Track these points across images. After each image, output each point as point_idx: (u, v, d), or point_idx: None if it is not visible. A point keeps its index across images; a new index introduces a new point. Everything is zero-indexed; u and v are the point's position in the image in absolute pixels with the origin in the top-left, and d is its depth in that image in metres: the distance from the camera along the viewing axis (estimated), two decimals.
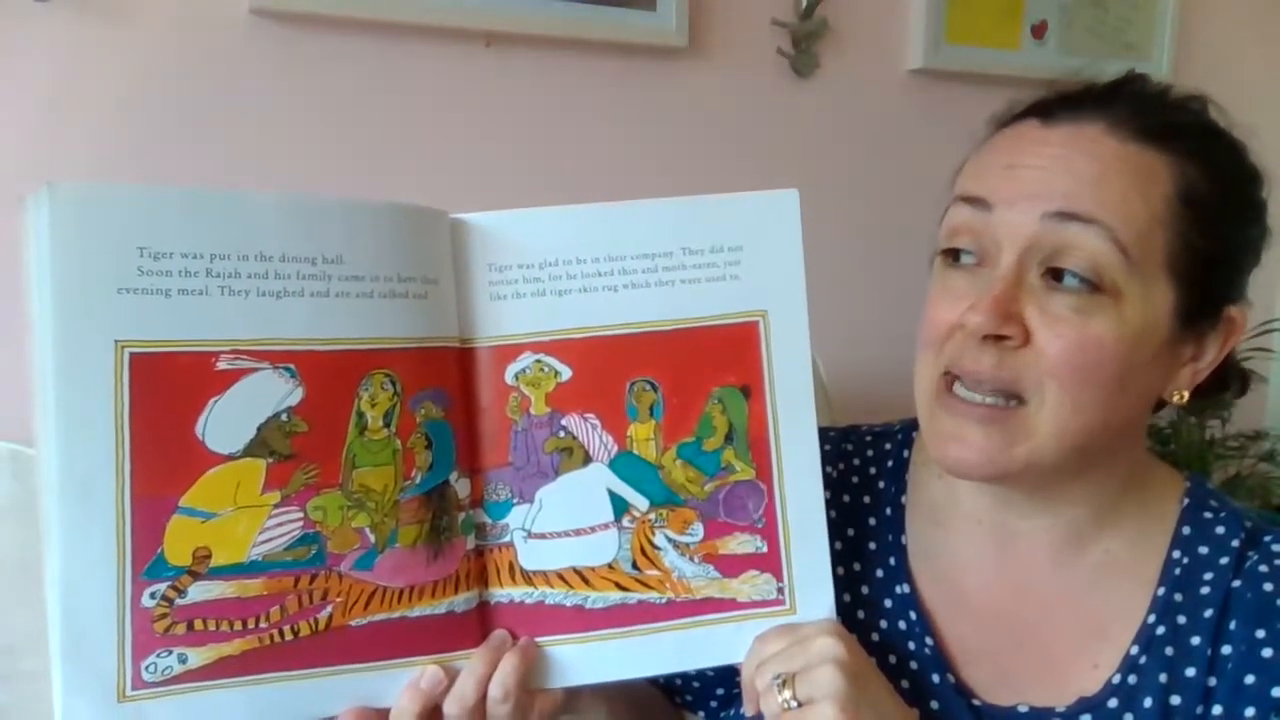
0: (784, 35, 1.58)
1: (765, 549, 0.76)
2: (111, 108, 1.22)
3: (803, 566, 0.76)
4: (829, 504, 0.87)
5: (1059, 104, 0.77)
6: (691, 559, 0.75)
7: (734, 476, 0.76)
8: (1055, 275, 0.72)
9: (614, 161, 1.51)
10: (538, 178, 1.46)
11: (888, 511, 0.88)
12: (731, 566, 0.76)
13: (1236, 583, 0.76)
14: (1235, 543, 0.78)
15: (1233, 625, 0.75)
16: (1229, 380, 0.84)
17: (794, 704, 0.69)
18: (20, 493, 1.05)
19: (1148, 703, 0.75)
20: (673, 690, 0.96)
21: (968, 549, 0.84)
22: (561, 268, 0.73)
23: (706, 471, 0.76)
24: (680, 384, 0.75)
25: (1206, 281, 0.75)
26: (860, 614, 0.85)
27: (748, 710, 0.75)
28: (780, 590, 0.76)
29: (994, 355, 0.73)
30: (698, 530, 0.75)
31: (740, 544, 0.76)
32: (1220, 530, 0.79)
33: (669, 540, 0.75)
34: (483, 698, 0.70)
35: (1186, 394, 0.78)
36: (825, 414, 1.44)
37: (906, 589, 0.84)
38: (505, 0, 1.37)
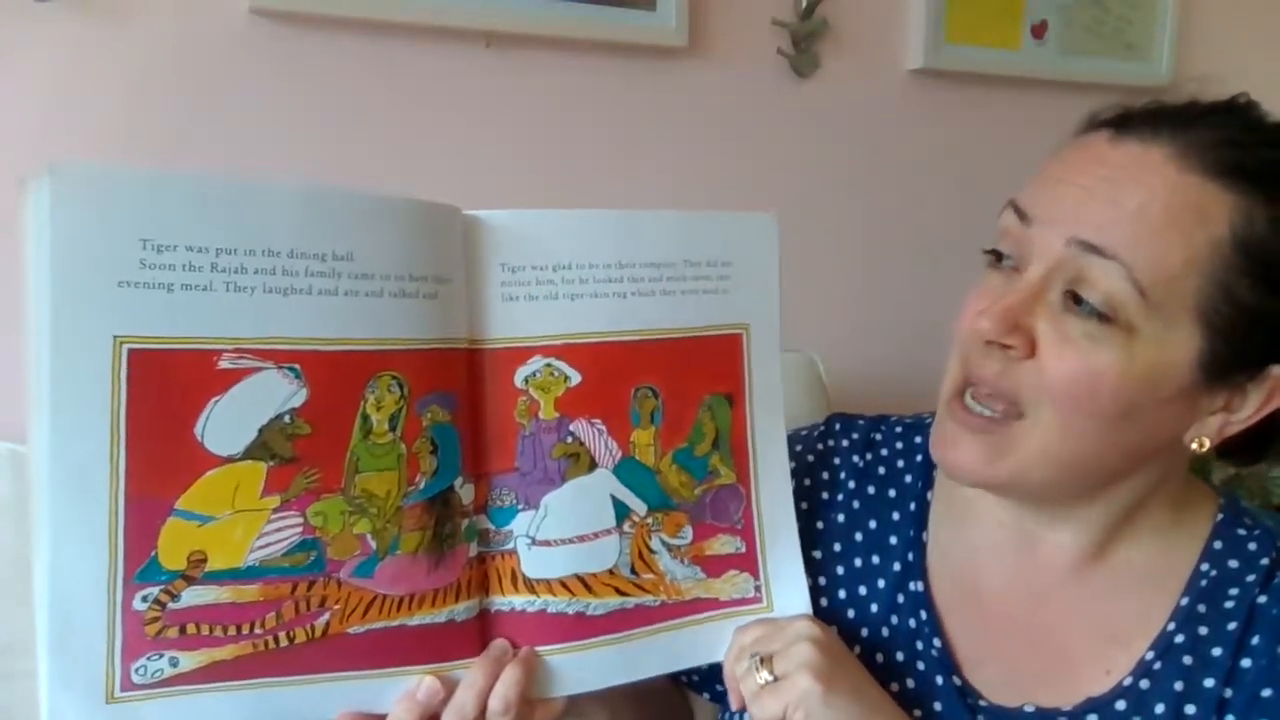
0: (784, 35, 1.58)
1: (744, 549, 0.78)
2: (111, 108, 1.22)
3: (777, 564, 0.79)
4: (854, 494, 0.89)
5: (1139, 119, 0.74)
6: (682, 561, 0.77)
7: (718, 480, 0.78)
8: (1074, 299, 0.71)
9: (614, 161, 1.50)
10: (538, 178, 1.46)
11: (911, 506, 0.87)
12: (715, 567, 0.78)
13: (1262, 598, 0.76)
14: (1265, 560, 0.78)
15: (1255, 640, 0.75)
16: (1273, 438, 0.80)
17: (771, 679, 0.71)
18: (20, 493, 1.04)
19: (1159, 709, 0.74)
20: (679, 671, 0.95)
21: (987, 548, 0.83)
22: (575, 271, 0.73)
23: (696, 476, 0.77)
24: (677, 390, 0.76)
25: (1248, 337, 0.71)
26: (874, 607, 0.85)
27: (733, 704, 0.76)
28: (757, 588, 0.79)
29: (999, 362, 0.73)
30: (688, 533, 0.77)
31: (722, 545, 0.78)
32: (1252, 546, 0.79)
33: (663, 544, 0.76)
34: (483, 710, 0.69)
35: (1208, 442, 0.76)
36: (823, 414, 1.44)
37: (920, 586, 0.84)
38: (505, 0, 1.37)
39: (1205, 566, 0.79)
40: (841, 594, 0.86)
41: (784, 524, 0.80)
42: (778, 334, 0.80)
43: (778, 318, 0.80)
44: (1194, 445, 0.76)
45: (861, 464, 0.91)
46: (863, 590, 0.85)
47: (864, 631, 0.84)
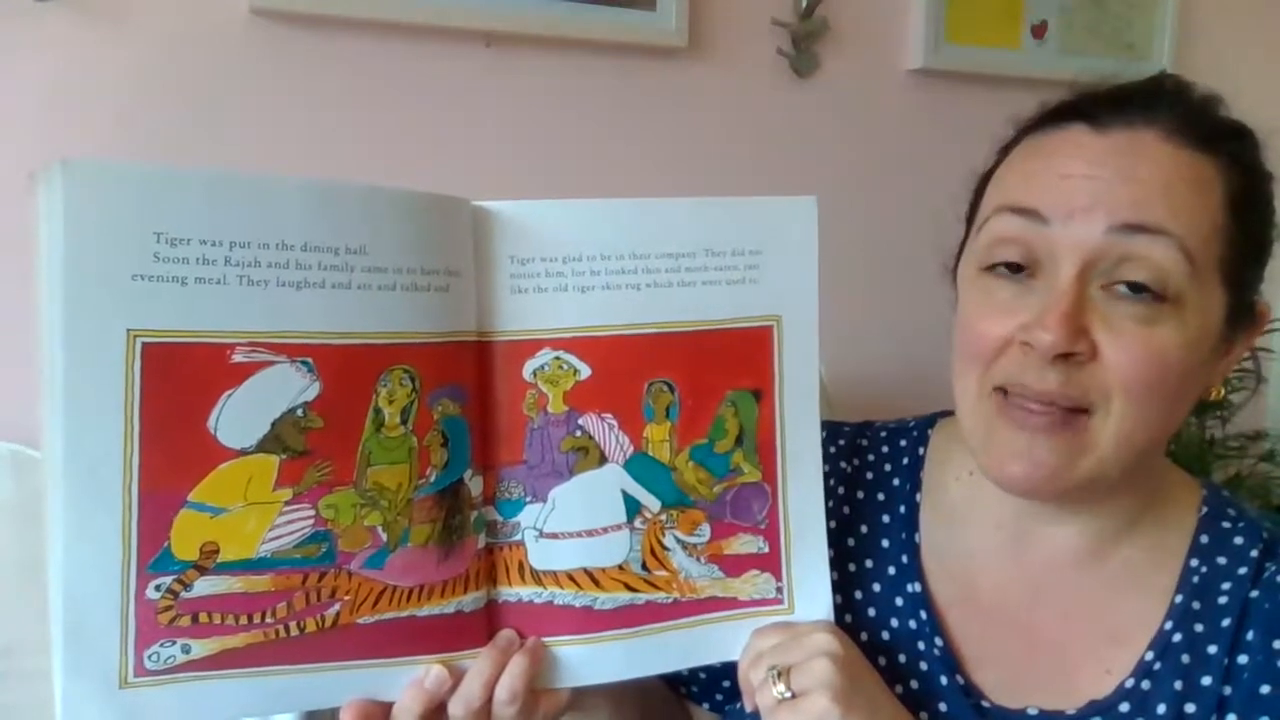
0: (784, 35, 1.58)
1: (767, 549, 0.76)
2: (111, 108, 1.22)
3: (801, 566, 0.77)
4: (844, 500, 0.88)
5: (1105, 108, 0.75)
6: (698, 559, 0.75)
7: (741, 479, 0.76)
8: (1119, 285, 0.70)
9: (613, 161, 1.51)
10: (538, 178, 1.46)
11: (901, 509, 0.87)
12: (735, 566, 0.76)
13: (1254, 593, 0.76)
14: (1254, 553, 0.78)
15: (1250, 635, 0.75)
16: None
17: (788, 695, 0.70)
18: (20, 493, 1.04)
19: (1161, 709, 0.74)
20: (678, 681, 0.95)
21: (983, 550, 0.83)
22: (585, 263, 0.71)
23: (716, 473, 0.75)
24: (696, 386, 0.74)
25: (1245, 280, 0.74)
26: (871, 611, 0.84)
27: (747, 706, 0.75)
28: (779, 590, 0.77)
29: (1061, 373, 0.70)
30: (705, 531, 0.75)
31: (743, 544, 0.76)
32: (1239, 540, 0.79)
33: (678, 541, 0.75)
34: (489, 699, 0.69)
35: (1224, 391, 0.78)
36: (825, 414, 1.44)
37: (918, 587, 0.83)
38: (505, 0, 1.37)
39: (1195, 562, 0.79)
40: (837, 599, 0.85)
41: (812, 526, 0.77)
42: (815, 325, 0.76)
43: (815, 308, 0.76)
44: (1212, 395, 0.78)
45: (849, 470, 0.90)
46: (858, 595, 0.85)
47: (863, 635, 0.84)
